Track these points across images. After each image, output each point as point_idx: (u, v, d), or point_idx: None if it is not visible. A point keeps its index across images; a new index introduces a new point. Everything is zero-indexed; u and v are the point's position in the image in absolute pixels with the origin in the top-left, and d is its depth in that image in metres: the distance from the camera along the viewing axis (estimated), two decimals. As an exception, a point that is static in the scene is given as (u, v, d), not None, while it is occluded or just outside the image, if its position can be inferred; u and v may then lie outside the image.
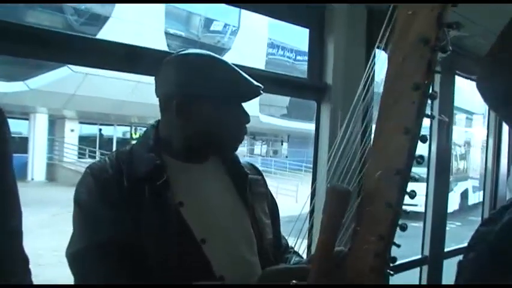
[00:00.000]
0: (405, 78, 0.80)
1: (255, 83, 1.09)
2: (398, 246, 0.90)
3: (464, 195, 13.42)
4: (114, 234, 0.97)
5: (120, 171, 1.04)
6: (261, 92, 1.10)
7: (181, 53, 1.10)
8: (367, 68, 0.92)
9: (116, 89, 12.42)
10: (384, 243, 0.87)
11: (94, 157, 15.77)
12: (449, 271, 2.48)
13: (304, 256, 1.24)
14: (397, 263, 0.94)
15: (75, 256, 0.99)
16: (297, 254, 1.23)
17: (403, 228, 0.90)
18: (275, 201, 1.29)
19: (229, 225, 1.11)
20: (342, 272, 0.93)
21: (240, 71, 1.10)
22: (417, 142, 0.85)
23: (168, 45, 12.79)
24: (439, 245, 2.57)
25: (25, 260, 1.00)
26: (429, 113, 0.83)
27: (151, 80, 1.11)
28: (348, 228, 0.93)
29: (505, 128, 3.01)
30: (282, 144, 24.76)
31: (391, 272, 0.93)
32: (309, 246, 1.34)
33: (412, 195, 0.87)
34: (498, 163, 3.04)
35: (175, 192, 1.05)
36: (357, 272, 0.91)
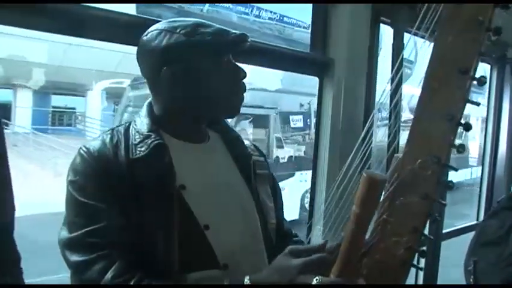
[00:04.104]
0: (453, 62, 0.74)
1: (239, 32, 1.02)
2: (431, 238, 0.87)
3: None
4: (112, 220, 0.90)
5: (118, 153, 0.96)
6: (248, 40, 1.01)
7: (155, 26, 1.02)
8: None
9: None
10: (417, 235, 0.83)
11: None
12: (447, 252, 2.49)
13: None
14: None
15: (69, 242, 0.91)
16: (302, 243, 1.18)
17: (436, 220, 0.86)
18: (277, 184, 1.22)
19: (233, 210, 1.04)
20: (368, 264, 0.89)
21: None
22: (457, 129, 0.80)
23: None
24: (437, 225, 2.53)
25: (16, 259, 0.92)
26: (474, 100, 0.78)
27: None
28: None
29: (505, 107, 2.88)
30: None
31: (421, 267, 0.89)
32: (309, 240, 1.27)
33: (450, 186, 0.83)
34: (497, 144, 2.90)
35: (177, 174, 0.97)
36: (385, 264, 0.87)
